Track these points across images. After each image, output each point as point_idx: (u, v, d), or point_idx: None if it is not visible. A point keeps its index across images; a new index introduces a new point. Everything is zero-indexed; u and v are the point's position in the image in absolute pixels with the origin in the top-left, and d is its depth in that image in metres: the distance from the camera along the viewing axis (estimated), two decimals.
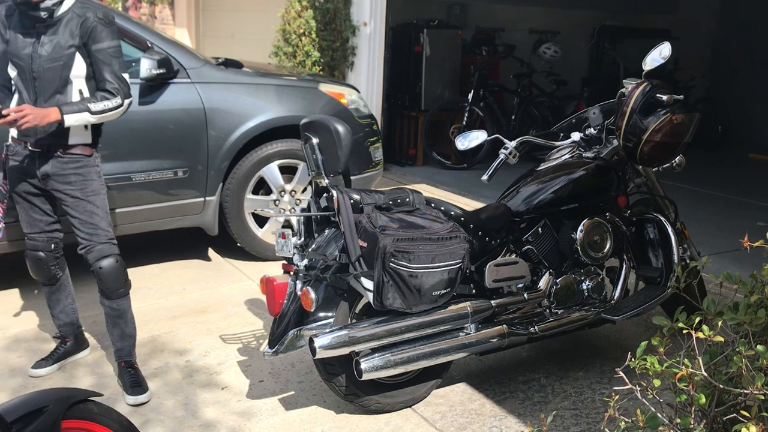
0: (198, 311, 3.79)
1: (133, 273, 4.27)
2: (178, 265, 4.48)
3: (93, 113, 2.77)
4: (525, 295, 2.96)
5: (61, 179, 2.87)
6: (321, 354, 2.52)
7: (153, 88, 3.94)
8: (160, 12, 11.09)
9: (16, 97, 2.89)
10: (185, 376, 3.11)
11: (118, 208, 3.94)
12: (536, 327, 2.95)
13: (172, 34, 10.35)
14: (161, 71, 3.84)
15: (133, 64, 4.05)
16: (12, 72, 2.87)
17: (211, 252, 4.72)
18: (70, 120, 2.73)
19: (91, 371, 3.14)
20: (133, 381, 2.93)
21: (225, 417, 2.79)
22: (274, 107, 4.35)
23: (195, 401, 2.90)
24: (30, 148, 2.87)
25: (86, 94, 2.84)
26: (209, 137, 4.13)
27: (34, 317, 3.65)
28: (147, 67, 3.80)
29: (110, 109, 2.81)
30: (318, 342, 2.51)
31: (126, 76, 2.89)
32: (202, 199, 4.22)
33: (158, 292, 4.06)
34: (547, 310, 3.05)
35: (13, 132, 2.92)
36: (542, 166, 3.24)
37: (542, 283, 3.02)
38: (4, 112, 2.64)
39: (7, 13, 2.86)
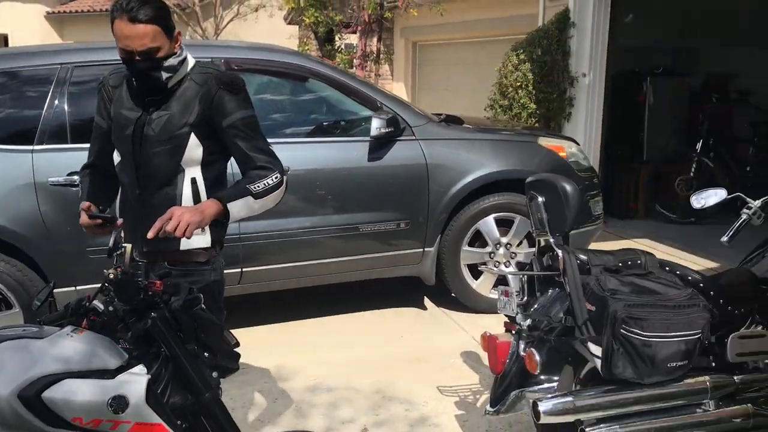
0: (415, 360, 3.89)
1: (353, 318, 4.52)
2: (394, 312, 4.65)
3: (256, 195, 2.15)
4: None
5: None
6: (545, 419, 2.45)
7: (381, 145, 4.18)
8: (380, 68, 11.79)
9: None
10: (408, 426, 3.19)
11: (345, 257, 4.20)
12: None
13: (390, 88, 10.97)
14: (390, 130, 4.06)
15: (363, 123, 4.35)
16: (116, 157, 2.30)
17: (426, 301, 4.83)
18: (234, 209, 2.12)
19: None
20: None
21: None
22: (492, 162, 4.40)
23: None
24: (137, 258, 2.22)
25: (200, 184, 2.22)
26: (430, 191, 4.27)
27: None
28: (377, 126, 4.05)
29: (273, 187, 2.18)
30: (542, 407, 2.43)
31: (272, 148, 2.27)
32: (422, 249, 4.36)
33: (376, 338, 4.23)
34: None
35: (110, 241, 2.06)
36: None
37: None
38: (118, 223, 2.05)
39: (114, 83, 2.30)
